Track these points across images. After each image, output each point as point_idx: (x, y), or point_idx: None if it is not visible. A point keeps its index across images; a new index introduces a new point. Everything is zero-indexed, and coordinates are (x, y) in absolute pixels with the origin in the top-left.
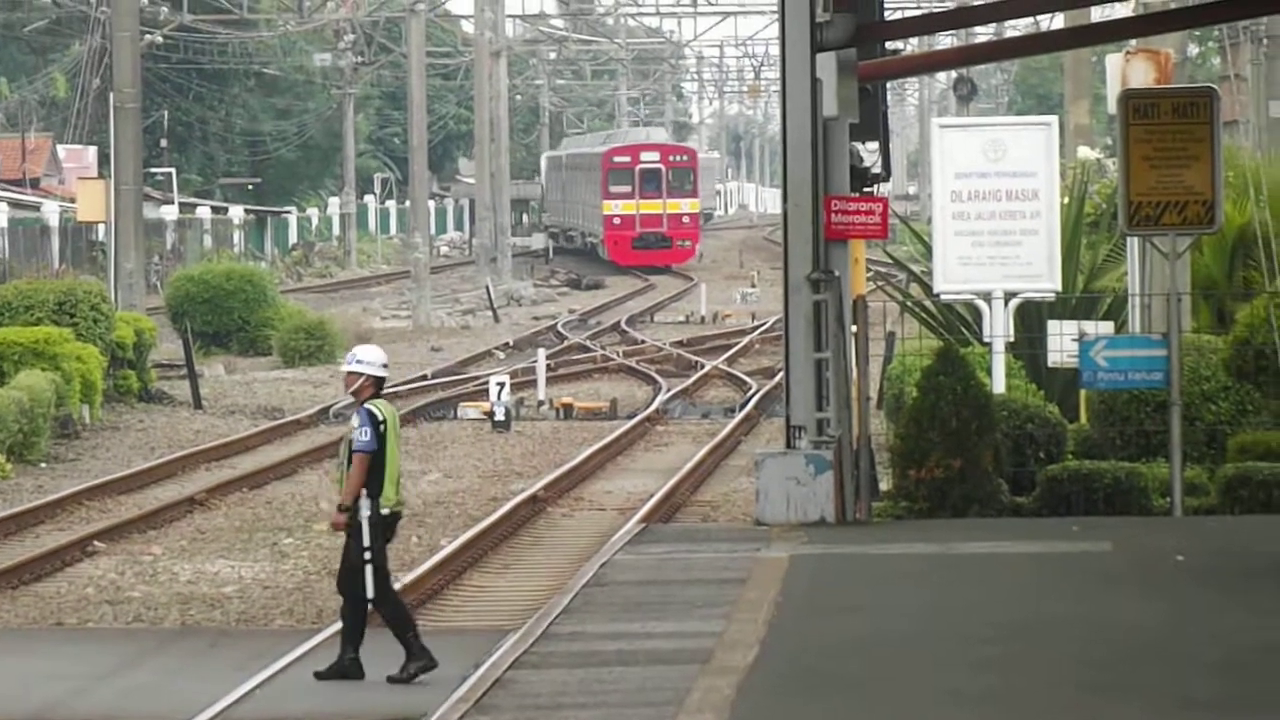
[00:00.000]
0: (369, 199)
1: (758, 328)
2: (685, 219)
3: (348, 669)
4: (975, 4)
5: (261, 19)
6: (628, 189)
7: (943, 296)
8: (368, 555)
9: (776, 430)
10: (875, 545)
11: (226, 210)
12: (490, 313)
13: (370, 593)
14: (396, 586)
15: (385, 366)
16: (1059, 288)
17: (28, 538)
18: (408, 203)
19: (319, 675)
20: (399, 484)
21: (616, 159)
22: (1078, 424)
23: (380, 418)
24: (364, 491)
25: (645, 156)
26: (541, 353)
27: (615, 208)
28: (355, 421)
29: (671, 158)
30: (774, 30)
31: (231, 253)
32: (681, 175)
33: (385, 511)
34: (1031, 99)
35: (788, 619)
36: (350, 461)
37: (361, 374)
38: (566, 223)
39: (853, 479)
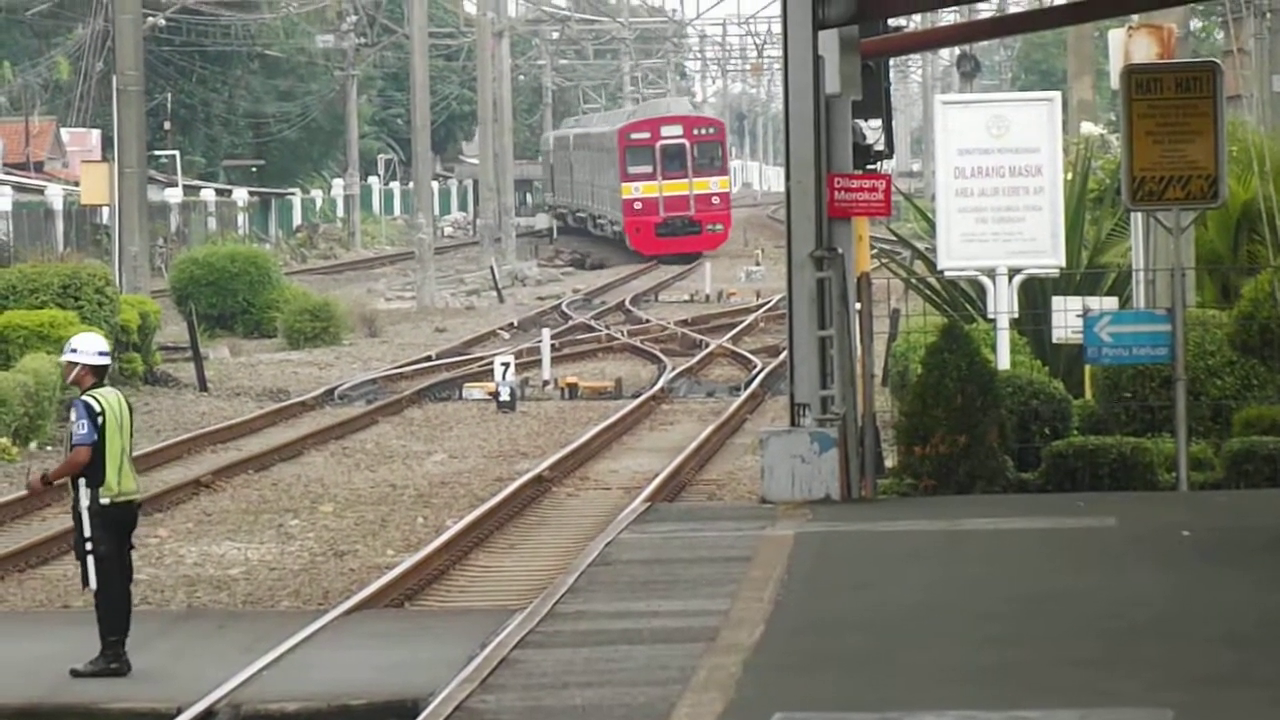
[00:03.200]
0: (372, 180)
1: (762, 306)
2: (715, 199)
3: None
4: None
5: (263, 0)
6: (648, 169)
7: (947, 273)
8: (88, 546)
9: (781, 408)
10: (881, 522)
11: (230, 192)
12: (495, 293)
13: (91, 583)
14: (403, 566)
15: (104, 354)
16: (1063, 264)
17: (33, 521)
18: (411, 184)
19: (75, 673)
20: (124, 472)
21: (634, 135)
22: (1083, 399)
23: (98, 409)
24: (84, 481)
25: (666, 131)
26: (546, 333)
27: (635, 190)
28: (72, 415)
29: (696, 130)
30: (776, 8)
31: (236, 235)
32: (709, 150)
33: (105, 501)
34: (1035, 75)
35: (793, 596)
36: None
37: (77, 364)
38: (581, 205)
39: (858, 456)
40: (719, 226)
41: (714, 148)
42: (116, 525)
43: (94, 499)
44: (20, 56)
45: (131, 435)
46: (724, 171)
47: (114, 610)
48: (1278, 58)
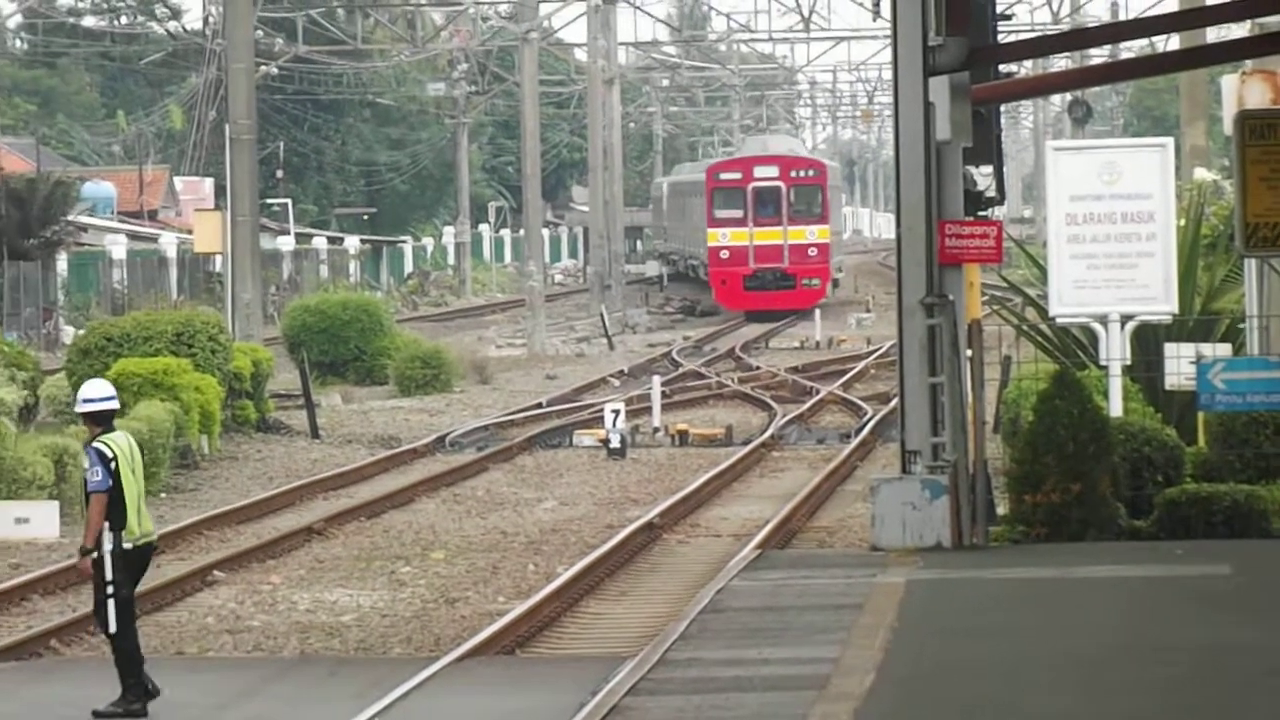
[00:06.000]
0: (483, 228)
1: (873, 353)
2: (812, 250)
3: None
4: (1090, 26)
5: (375, 49)
6: (738, 213)
7: (1058, 320)
8: (109, 590)
9: (892, 455)
10: (992, 570)
11: (342, 240)
12: (605, 340)
13: (111, 627)
14: (514, 613)
15: (88, 401)
16: (1176, 310)
17: (149, 568)
18: (522, 231)
19: (97, 714)
20: (143, 514)
21: (723, 175)
22: (1196, 447)
23: (110, 454)
24: (106, 526)
25: (760, 172)
26: (656, 380)
27: (723, 237)
28: (86, 462)
29: (794, 173)
30: (886, 55)
31: (347, 282)
32: (807, 195)
33: (128, 545)
34: (1147, 121)
35: (904, 644)
36: (89, 501)
37: (80, 413)
38: (686, 252)
39: (969, 503)
40: (816, 281)
41: (813, 192)
42: (135, 568)
43: (117, 543)
44: (134, 106)
45: (145, 477)
46: (824, 220)
47: (134, 651)
48: None
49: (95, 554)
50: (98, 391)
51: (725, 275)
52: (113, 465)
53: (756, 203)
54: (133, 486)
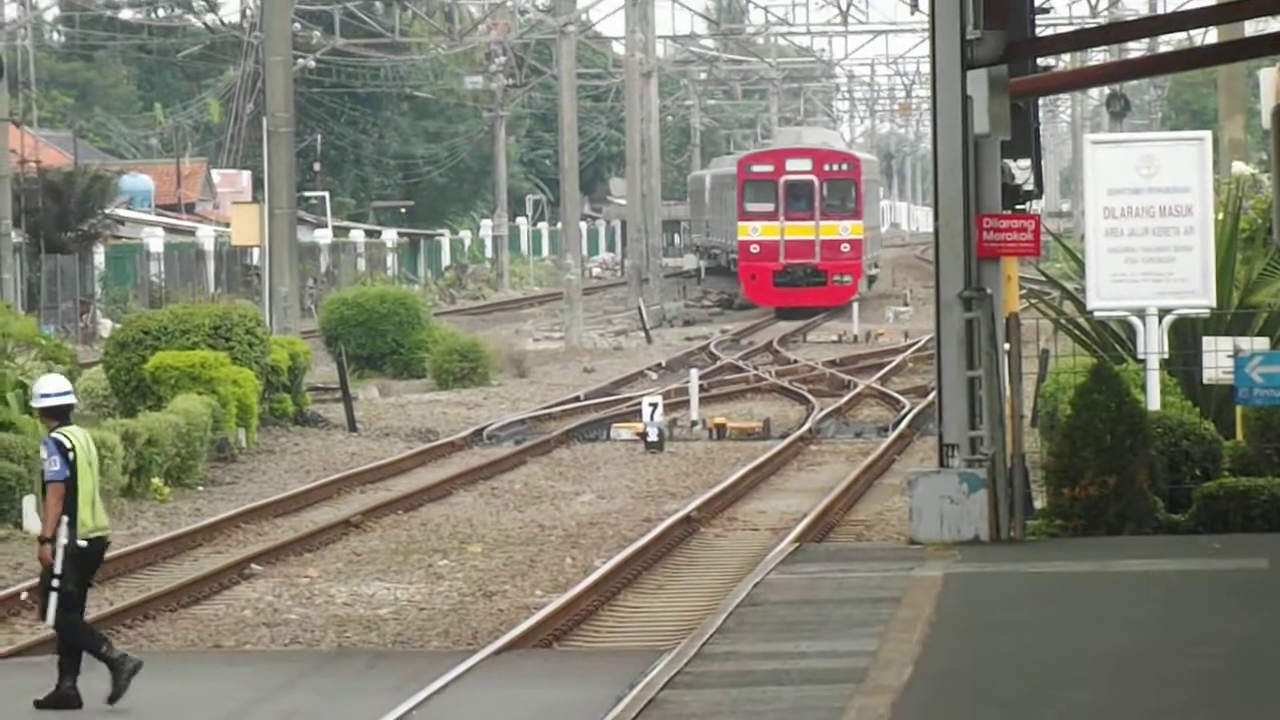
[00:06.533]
0: (521, 221)
1: (910, 346)
2: (844, 246)
3: (66, 696)
4: (1128, 19)
5: (413, 42)
6: (769, 207)
7: (1096, 313)
8: (55, 582)
9: (930, 449)
10: (1029, 563)
11: (380, 233)
12: (643, 333)
13: (50, 618)
14: (551, 607)
15: (45, 396)
16: (1214, 304)
17: (185, 561)
18: (559, 224)
19: (39, 704)
20: (97, 508)
21: (755, 167)
22: (1234, 440)
23: (68, 445)
24: (64, 519)
25: (792, 165)
26: (694, 373)
27: (753, 231)
28: (44, 453)
29: (827, 166)
30: (925, 48)
31: (385, 275)
32: (840, 189)
33: (82, 542)
34: (1185, 114)
35: (942, 638)
36: (46, 493)
37: (37, 408)
38: (722, 243)
39: (1007, 497)
40: (847, 278)
41: (847, 186)
42: (88, 562)
43: (72, 538)
44: (172, 99)
45: (101, 473)
46: (857, 215)
47: (82, 630)
48: None
49: (53, 544)
50: (54, 387)
51: (755, 270)
52: (70, 456)
53: (788, 196)
54: (88, 481)
